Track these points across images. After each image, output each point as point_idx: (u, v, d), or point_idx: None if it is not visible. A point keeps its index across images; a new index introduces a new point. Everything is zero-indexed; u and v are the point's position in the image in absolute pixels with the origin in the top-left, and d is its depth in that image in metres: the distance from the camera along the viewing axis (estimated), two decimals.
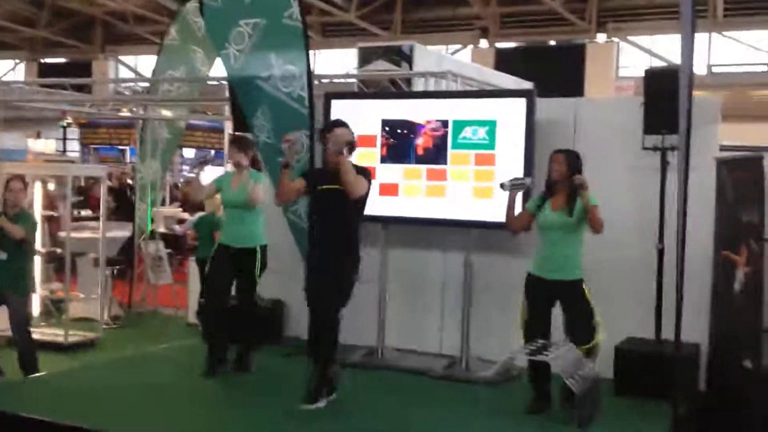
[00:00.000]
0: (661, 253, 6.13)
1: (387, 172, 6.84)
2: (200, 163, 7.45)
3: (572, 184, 5.31)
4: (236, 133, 7.58)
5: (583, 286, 5.37)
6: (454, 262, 6.91)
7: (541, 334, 5.38)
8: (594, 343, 5.29)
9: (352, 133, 5.59)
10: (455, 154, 6.67)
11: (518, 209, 5.81)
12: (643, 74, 6.47)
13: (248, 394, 5.99)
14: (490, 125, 6.53)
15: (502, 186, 5.60)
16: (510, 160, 6.38)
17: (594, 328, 5.32)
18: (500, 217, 6.02)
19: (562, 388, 5.32)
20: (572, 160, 5.42)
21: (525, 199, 5.95)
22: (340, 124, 5.67)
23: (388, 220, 6.89)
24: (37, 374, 6.52)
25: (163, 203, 12.81)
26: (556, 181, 5.46)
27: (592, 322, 5.33)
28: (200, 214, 9.50)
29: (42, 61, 27.14)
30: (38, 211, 8.31)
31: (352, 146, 5.52)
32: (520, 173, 6.15)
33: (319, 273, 5.55)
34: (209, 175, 6.96)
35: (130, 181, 13.67)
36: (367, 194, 5.52)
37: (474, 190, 6.61)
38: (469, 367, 6.62)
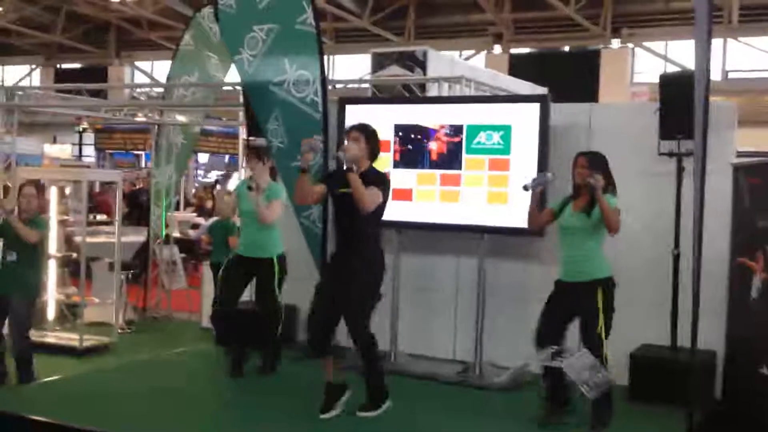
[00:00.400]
0: (676, 259, 6.10)
1: (401, 178, 6.84)
2: (224, 176, 7.43)
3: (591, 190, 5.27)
4: (250, 138, 7.62)
5: (598, 291, 5.27)
6: (468, 268, 6.90)
7: (551, 339, 5.32)
8: (600, 355, 5.12)
9: (371, 137, 5.44)
10: (470, 159, 6.66)
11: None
12: (657, 80, 6.46)
13: (261, 398, 5.99)
14: (505, 130, 6.52)
15: (525, 188, 5.55)
16: (524, 165, 6.36)
17: (599, 338, 5.19)
18: (514, 222, 5.99)
19: (553, 389, 5.31)
20: (595, 163, 5.37)
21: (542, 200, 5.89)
22: (358, 128, 5.50)
23: (402, 225, 6.89)
24: (36, 382, 6.48)
25: (177, 208, 12.83)
26: (579, 185, 5.42)
27: (597, 332, 5.20)
28: (214, 218, 9.53)
29: (58, 66, 27.35)
30: (54, 216, 8.35)
31: (373, 152, 5.43)
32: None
33: (332, 275, 5.55)
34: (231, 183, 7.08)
35: (137, 185, 13.69)
36: (384, 202, 5.42)
37: (488, 195, 6.59)
38: (482, 373, 6.60)
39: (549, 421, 5.39)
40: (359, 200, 5.20)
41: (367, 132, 5.45)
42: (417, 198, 6.87)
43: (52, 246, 8.21)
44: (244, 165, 14.00)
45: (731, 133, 6.33)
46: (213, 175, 19.90)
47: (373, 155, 5.46)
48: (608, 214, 5.16)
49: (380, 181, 5.41)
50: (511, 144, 6.49)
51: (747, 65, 18.36)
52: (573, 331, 5.42)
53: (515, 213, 6.14)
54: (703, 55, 4.82)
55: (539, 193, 5.59)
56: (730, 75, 18.54)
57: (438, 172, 6.78)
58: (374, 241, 5.51)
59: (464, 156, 6.66)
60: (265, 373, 6.56)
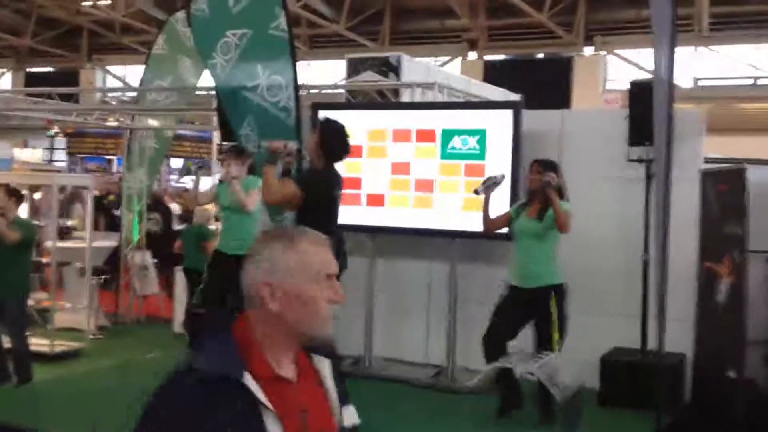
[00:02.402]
0: (646, 264, 6.17)
1: (374, 183, 6.86)
2: (199, 168, 7.41)
3: (544, 188, 5.35)
4: (224, 143, 7.62)
5: (552, 297, 5.32)
6: (441, 272, 6.93)
7: (502, 341, 5.39)
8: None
9: (324, 136, 5.34)
10: (444, 164, 6.69)
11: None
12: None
13: None
14: (481, 134, 6.55)
15: (476, 192, 5.65)
16: (498, 171, 6.40)
17: (551, 344, 5.24)
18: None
19: (544, 398, 5.34)
20: (548, 170, 5.45)
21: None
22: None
23: (376, 230, 6.91)
24: (30, 382, 6.46)
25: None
26: (534, 191, 5.51)
27: (550, 334, 5.26)
28: (187, 224, 9.49)
29: (28, 70, 27.06)
30: None
31: (326, 150, 5.30)
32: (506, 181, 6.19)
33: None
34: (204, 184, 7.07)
35: (98, 193, 13.42)
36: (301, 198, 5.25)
37: (464, 201, 6.62)
38: (455, 376, 6.63)
39: (506, 409, 5.51)
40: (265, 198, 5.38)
41: (321, 130, 5.39)
42: (390, 203, 6.89)
43: None
44: (220, 164, 13.97)
45: (699, 140, 6.42)
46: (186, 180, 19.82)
47: (328, 154, 5.31)
48: (559, 212, 5.23)
49: (299, 179, 5.37)
50: (486, 149, 6.52)
51: (717, 72, 18.60)
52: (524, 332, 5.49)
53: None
54: (667, 64, 4.90)
55: (488, 198, 5.68)
56: (700, 82, 18.76)
57: (412, 178, 6.81)
58: None
59: (438, 161, 6.70)
60: None
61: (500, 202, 5.94)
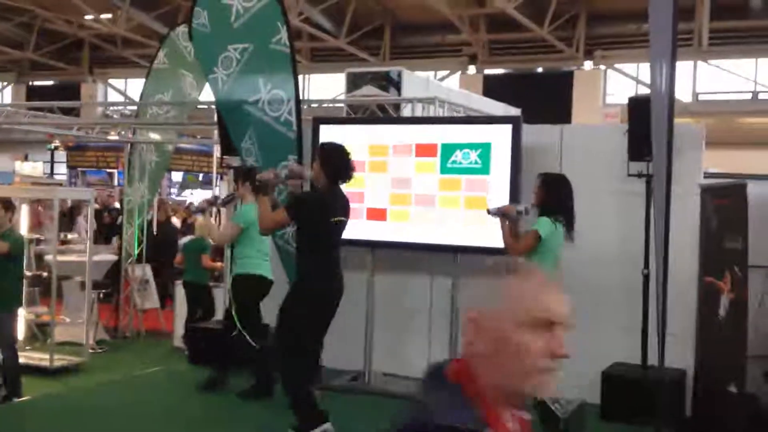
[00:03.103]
0: (646, 279, 6.16)
1: (375, 197, 6.86)
2: (209, 203, 7.20)
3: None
4: (224, 157, 7.63)
5: None
6: (442, 287, 6.92)
7: None
8: None
9: (324, 158, 5.30)
10: (444, 179, 6.69)
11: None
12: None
13: (232, 416, 5.95)
14: (484, 148, 6.55)
15: (489, 212, 5.64)
16: (499, 186, 6.41)
17: None
18: (488, 242, 6.03)
19: (546, 415, 5.31)
20: (543, 186, 5.46)
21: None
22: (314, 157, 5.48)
23: (377, 244, 6.90)
24: (20, 399, 6.44)
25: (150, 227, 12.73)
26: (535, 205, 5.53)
27: None
28: (188, 238, 9.48)
29: (30, 83, 27.13)
30: (25, 234, 8.26)
31: (328, 171, 5.25)
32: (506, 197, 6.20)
33: (332, 303, 5.39)
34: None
35: (97, 205, 13.41)
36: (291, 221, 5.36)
37: (465, 215, 6.62)
38: None
39: None
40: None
41: (320, 153, 5.38)
42: (391, 218, 6.89)
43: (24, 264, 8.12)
44: (220, 178, 13.95)
45: (699, 155, 6.43)
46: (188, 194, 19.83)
47: (330, 175, 5.26)
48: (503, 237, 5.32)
49: (295, 200, 5.42)
50: (491, 163, 6.51)
51: (717, 87, 18.65)
52: None
53: (489, 232, 6.17)
54: (668, 79, 4.91)
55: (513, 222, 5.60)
56: (701, 97, 18.80)
57: (413, 192, 6.81)
58: None
59: (439, 176, 6.70)
60: (255, 396, 6.44)
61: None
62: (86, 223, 10.98)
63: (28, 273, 8.25)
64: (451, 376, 1.45)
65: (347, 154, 5.29)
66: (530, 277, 1.46)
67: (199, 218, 7.87)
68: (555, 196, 5.41)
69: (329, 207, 5.25)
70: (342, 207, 5.35)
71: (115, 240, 11.21)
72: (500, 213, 5.50)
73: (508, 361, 1.40)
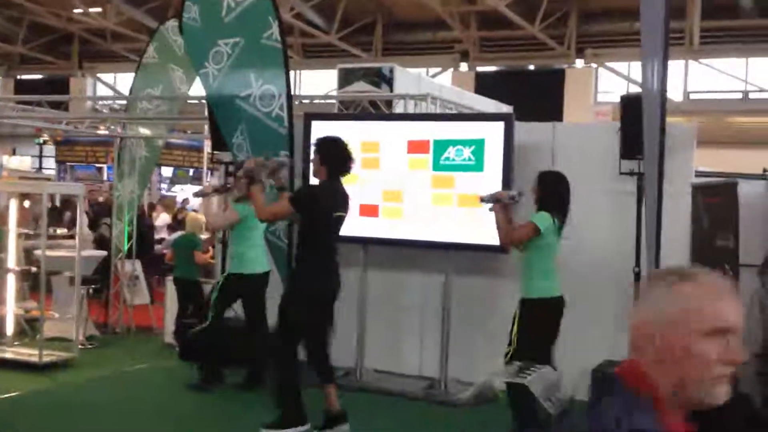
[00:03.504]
0: (637, 277, 6.17)
1: (367, 194, 6.84)
2: (215, 190, 7.17)
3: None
4: (215, 152, 7.59)
5: (520, 310, 5.22)
6: (434, 284, 6.91)
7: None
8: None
9: (322, 151, 5.36)
10: (437, 176, 6.68)
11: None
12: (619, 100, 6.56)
13: (222, 413, 5.94)
14: (477, 144, 6.53)
15: (482, 200, 5.58)
16: (491, 184, 6.39)
17: (506, 355, 5.14)
18: (481, 239, 6.01)
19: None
20: (541, 180, 5.44)
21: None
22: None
23: (369, 241, 6.89)
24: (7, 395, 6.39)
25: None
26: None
27: (507, 348, 5.18)
28: (179, 233, 9.44)
29: (18, 77, 26.97)
30: (13, 229, 8.21)
31: (326, 165, 5.28)
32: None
33: (333, 300, 5.41)
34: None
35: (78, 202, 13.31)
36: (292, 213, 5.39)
37: (458, 212, 6.60)
38: (448, 389, 6.61)
39: None
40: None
41: (320, 147, 5.38)
42: (383, 215, 6.88)
43: (11, 260, 8.07)
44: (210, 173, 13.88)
45: (690, 154, 6.44)
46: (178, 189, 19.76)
47: (331, 169, 5.29)
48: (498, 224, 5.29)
49: (297, 194, 5.46)
50: (485, 159, 6.50)
51: (708, 86, 18.70)
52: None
53: (482, 229, 6.17)
54: (660, 78, 4.91)
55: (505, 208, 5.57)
56: (692, 96, 18.85)
57: (405, 189, 6.80)
58: None
59: (431, 173, 6.69)
60: (250, 387, 6.51)
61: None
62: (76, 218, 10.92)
63: (16, 268, 8.21)
64: (628, 382, 1.47)
65: (346, 145, 5.31)
66: (705, 285, 1.45)
67: (195, 207, 7.84)
68: (553, 193, 5.40)
69: (332, 201, 5.28)
70: (343, 201, 5.37)
71: (90, 234, 11.16)
72: (493, 199, 5.47)
73: (685, 368, 1.41)
